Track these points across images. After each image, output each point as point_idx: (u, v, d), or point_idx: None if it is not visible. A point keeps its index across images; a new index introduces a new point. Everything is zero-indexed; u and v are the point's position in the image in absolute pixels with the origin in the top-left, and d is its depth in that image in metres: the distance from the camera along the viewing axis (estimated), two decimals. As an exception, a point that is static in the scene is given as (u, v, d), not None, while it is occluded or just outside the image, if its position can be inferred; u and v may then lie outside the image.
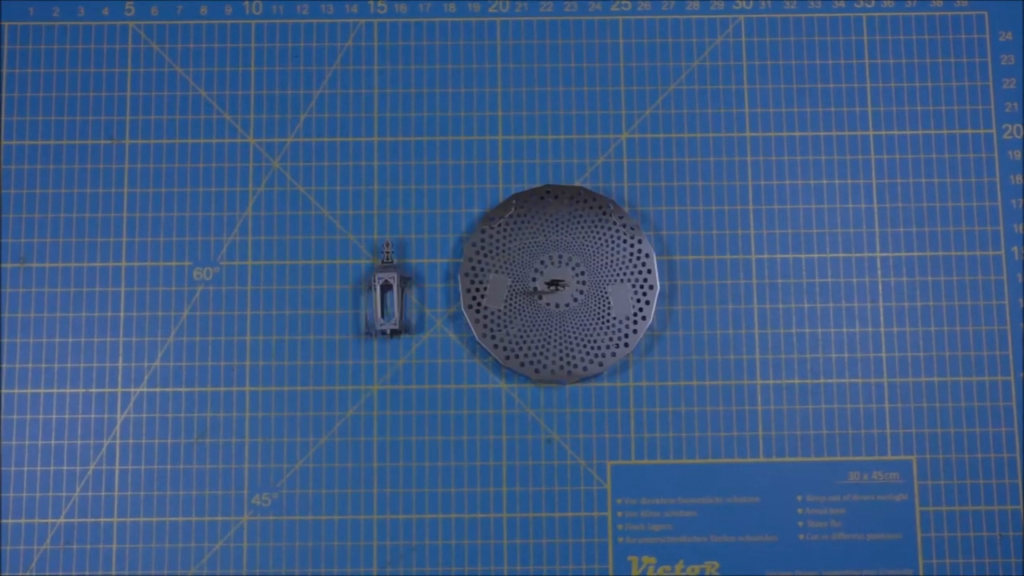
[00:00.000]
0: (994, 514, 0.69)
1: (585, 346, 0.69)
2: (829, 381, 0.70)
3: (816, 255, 0.71)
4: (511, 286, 0.69)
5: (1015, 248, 0.71)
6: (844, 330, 0.71)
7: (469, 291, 0.70)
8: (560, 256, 0.70)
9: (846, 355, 0.70)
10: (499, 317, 0.70)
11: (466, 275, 0.70)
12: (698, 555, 0.69)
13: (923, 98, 0.73)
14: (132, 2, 0.74)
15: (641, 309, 0.70)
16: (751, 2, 0.74)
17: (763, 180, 0.72)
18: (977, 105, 0.73)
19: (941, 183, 0.72)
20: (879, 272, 0.71)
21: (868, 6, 0.74)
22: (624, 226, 0.71)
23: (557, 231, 0.71)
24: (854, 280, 0.71)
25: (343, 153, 0.72)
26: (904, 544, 0.69)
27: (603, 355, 0.69)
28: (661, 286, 0.71)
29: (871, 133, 0.73)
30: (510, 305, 0.70)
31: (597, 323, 0.70)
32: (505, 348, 0.69)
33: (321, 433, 0.70)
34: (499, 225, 0.70)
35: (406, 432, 0.70)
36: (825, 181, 0.72)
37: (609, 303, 0.70)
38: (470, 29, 0.74)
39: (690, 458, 0.70)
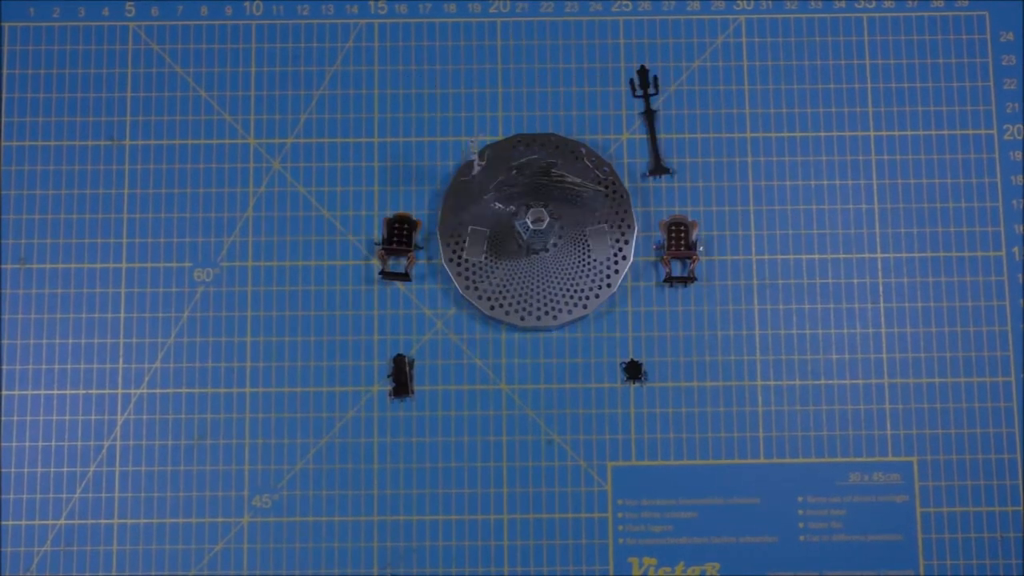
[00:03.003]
0: (995, 515, 0.69)
1: (568, 290, 0.69)
2: (830, 382, 0.70)
3: (817, 256, 0.71)
4: (490, 237, 0.69)
5: (1016, 249, 0.71)
6: (845, 331, 0.71)
7: (448, 245, 0.70)
8: (537, 202, 0.70)
9: (847, 356, 0.70)
10: (480, 269, 0.70)
11: (444, 229, 0.70)
12: (699, 556, 0.69)
13: (924, 99, 0.73)
14: (132, 3, 0.74)
15: (620, 249, 0.70)
16: (752, 2, 0.74)
17: (764, 181, 0.72)
18: (978, 106, 0.73)
19: (942, 184, 0.72)
20: (880, 273, 0.71)
21: (869, 7, 0.74)
22: (597, 169, 0.71)
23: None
24: (855, 281, 0.71)
25: (344, 154, 0.72)
26: (905, 545, 0.69)
27: (586, 297, 0.69)
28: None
29: (872, 134, 0.73)
30: (491, 256, 0.70)
31: (578, 266, 0.70)
32: (489, 299, 0.69)
33: (322, 434, 0.70)
34: (474, 178, 0.70)
35: (406, 433, 0.70)
36: (826, 182, 0.72)
37: (588, 246, 0.70)
38: (471, 30, 0.74)
39: (691, 459, 0.70)
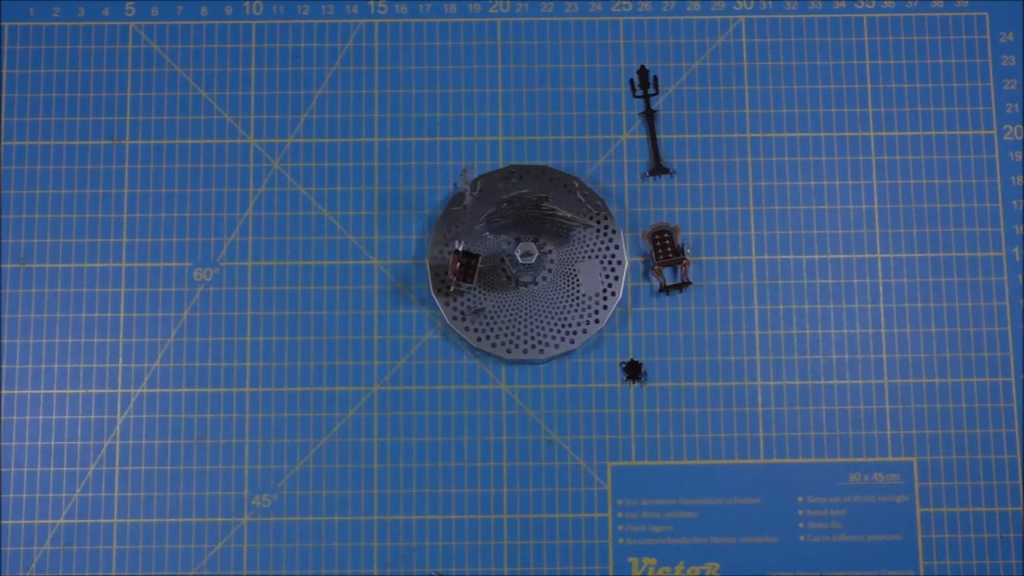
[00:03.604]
0: (995, 515, 0.69)
1: (556, 324, 0.69)
2: (830, 382, 0.70)
3: (817, 256, 0.71)
4: (480, 268, 0.69)
5: (1016, 249, 0.71)
6: (845, 331, 0.71)
7: (438, 275, 0.70)
8: (527, 235, 0.70)
9: (847, 356, 0.70)
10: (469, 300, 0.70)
11: (434, 259, 0.70)
12: (699, 556, 0.69)
13: (924, 99, 0.73)
14: (132, 2, 0.74)
15: (610, 285, 0.70)
16: (752, 3, 0.74)
17: (764, 181, 0.72)
18: (978, 106, 0.73)
19: (942, 184, 0.72)
20: (880, 273, 0.71)
21: (869, 7, 0.74)
22: (590, 203, 0.71)
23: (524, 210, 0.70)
24: (855, 281, 0.71)
25: (343, 154, 0.72)
26: (905, 545, 0.69)
27: (574, 332, 0.69)
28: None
29: (872, 134, 0.73)
30: (480, 287, 0.70)
31: (567, 301, 0.70)
32: (477, 330, 0.69)
33: (321, 434, 0.70)
34: (465, 208, 0.70)
35: (406, 433, 0.70)
36: (826, 182, 0.72)
37: (578, 280, 0.70)
38: (471, 29, 0.74)
39: (691, 459, 0.70)
